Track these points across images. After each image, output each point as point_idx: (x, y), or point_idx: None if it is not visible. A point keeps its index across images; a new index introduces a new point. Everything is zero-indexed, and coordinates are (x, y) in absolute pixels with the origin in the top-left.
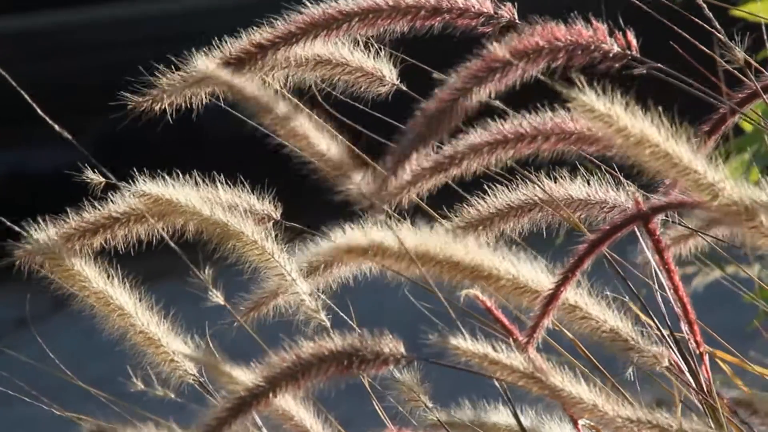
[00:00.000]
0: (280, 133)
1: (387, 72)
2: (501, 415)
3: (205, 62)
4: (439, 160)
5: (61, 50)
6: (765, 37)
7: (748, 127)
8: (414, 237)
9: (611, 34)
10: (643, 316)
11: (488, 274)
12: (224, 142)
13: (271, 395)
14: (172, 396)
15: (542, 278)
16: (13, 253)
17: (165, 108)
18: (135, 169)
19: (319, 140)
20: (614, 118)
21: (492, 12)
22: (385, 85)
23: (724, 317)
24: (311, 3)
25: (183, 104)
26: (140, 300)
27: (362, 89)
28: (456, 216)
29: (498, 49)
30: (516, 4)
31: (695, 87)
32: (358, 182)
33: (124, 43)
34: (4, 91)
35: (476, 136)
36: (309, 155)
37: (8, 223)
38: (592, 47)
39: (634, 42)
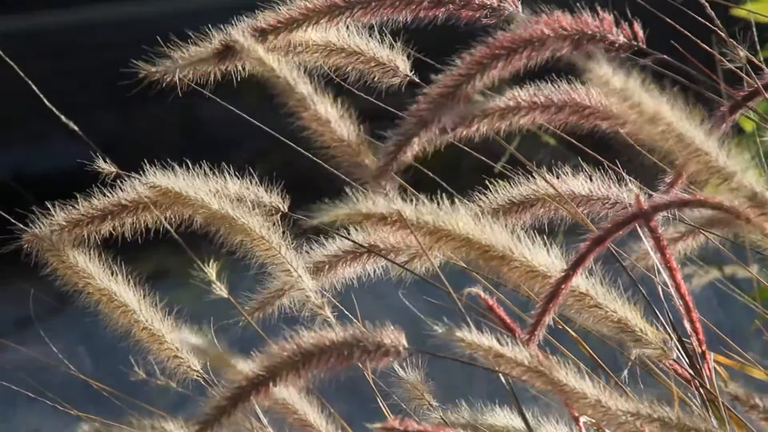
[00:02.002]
0: (303, 115)
1: (401, 63)
2: (498, 417)
3: (240, 34)
4: (450, 120)
5: (63, 50)
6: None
7: (748, 126)
8: (432, 212)
9: (617, 24)
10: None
11: (502, 255)
12: (228, 142)
13: (271, 384)
14: (174, 386)
15: (554, 263)
16: (21, 237)
17: (168, 103)
18: (138, 167)
19: (340, 126)
20: (629, 92)
21: (495, 3)
22: (398, 76)
23: (724, 317)
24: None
25: (186, 93)
26: (144, 297)
27: (375, 79)
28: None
29: (503, 37)
30: None
31: (698, 81)
32: (373, 169)
33: (125, 43)
34: (4, 90)
35: (490, 100)
36: (328, 140)
37: (12, 220)
38: (598, 37)
39: (640, 33)
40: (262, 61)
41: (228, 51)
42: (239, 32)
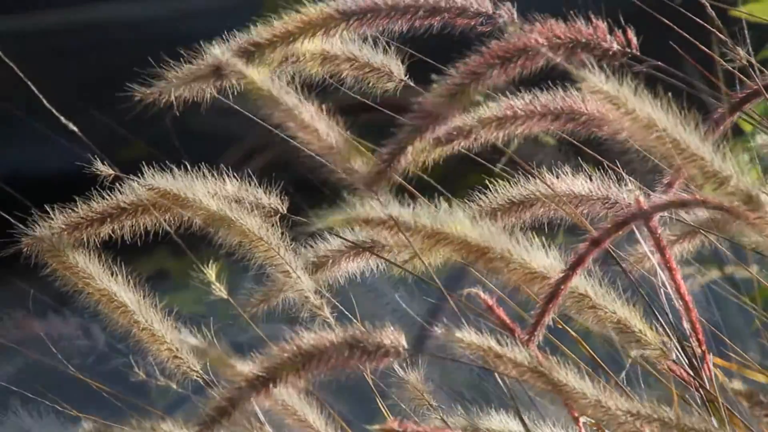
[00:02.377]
0: (290, 125)
1: (395, 68)
2: (494, 421)
3: (221, 51)
4: (447, 131)
5: (63, 50)
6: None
7: (747, 127)
8: (429, 215)
9: (611, 32)
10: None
11: (500, 256)
12: (228, 141)
13: (271, 385)
14: (174, 386)
15: (553, 264)
16: (20, 240)
17: (167, 104)
18: (137, 167)
19: (327, 133)
20: (623, 100)
21: (490, 11)
22: (392, 81)
23: (723, 318)
24: (310, 2)
25: (187, 101)
26: (144, 297)
27: (370, 85)
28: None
29: (497, 46)
30: (515, 3)
31: (695, 86)
32: (364, 174)
33: (126, 44)
34: (4, 90)
35: (486, 110)
36: (317, 148)
37: (12, 220)
38: (592, 45)
39: (634, 40)
40: (247, 78)
41: (220, 70)
42: (226, 50)
